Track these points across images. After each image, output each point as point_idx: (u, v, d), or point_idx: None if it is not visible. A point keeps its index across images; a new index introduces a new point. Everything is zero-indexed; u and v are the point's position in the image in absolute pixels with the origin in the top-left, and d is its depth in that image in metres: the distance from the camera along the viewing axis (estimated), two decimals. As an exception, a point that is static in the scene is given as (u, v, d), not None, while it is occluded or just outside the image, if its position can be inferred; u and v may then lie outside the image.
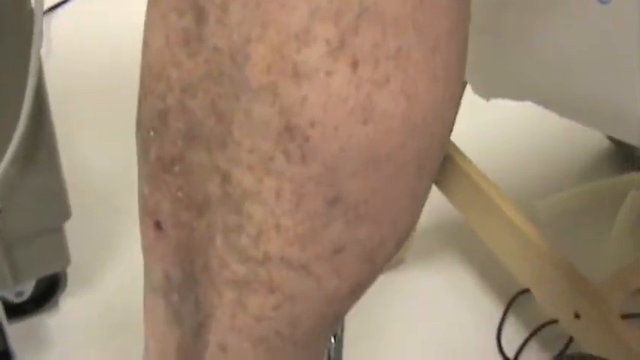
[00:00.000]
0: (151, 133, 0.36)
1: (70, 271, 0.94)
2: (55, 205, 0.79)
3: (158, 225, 0.38)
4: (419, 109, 0.33)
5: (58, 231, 0.83)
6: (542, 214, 1.08)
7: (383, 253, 0.37)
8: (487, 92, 0.60)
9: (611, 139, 1.21)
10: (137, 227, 1.06)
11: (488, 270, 1.10)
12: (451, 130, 0.37)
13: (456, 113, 0.36)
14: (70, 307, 0.99)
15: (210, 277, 0.37)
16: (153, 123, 0.36)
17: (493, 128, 1.25)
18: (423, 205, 0.38)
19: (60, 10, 1.44)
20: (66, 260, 0.87)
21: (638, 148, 1.13)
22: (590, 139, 1.23)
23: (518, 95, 0.58)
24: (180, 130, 0.35)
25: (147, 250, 0.40)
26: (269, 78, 0.31)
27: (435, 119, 0.34)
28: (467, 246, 1.11)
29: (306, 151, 0.32)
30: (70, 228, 0.86)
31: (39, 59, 0.67)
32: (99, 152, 1.18)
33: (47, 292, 0.95)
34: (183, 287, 0.39)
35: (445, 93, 0.34)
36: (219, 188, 0.35)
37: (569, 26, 0.50)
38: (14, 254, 0.81)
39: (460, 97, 0.36)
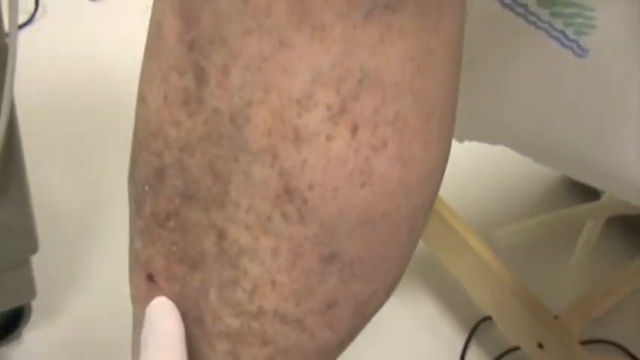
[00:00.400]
0: (146, 188, 0.37)
1: (34, 303, 0.94)
2: (23, 239, 0.79)
3: (150, 277, 0.38)
4: (414, 172, 0.34)
5: (25, 264, 0.83)
6: (502, 242, 1.10)
7: (374, 305, 0.38)
8: (461, 135, 0.61)
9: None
10: (102, 258, 1.05)
11: (450, 298, 1.11)
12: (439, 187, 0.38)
13: (444, 170, 0.37)
14: (33, 339, 0.98)
15: (203, 329, 0.37)
16: (148, 179, 0.36)
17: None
18: (412, 252, 0.39)
19: (22, 33, 1.43)
20: (32, 293, 0.87)
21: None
22: (549, 170, 1.26)
23: (492, 140, 0.59)
24: (176, 188, 0.35)
25: (138, 300, 0.40)
26: (269, 141, 0.32)
27: (428, 180, 0.35)
28: (429, 274, 1.12)
29: (304, 212, 0.33)
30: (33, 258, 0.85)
31: (11, 96, 0.67)
32: (61, 178, 1.17)
33: (10, 324, 0.94)
34: None
35: (437, 155, 0.35)
36: (215, 245, 0.35)
37: (544, 77, 0.51)
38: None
39: (448, 155, 0.37)
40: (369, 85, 0.31)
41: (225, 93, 0.32)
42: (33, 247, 0.80)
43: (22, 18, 1.43)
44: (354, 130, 0.32)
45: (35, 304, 0.94)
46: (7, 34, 0.58)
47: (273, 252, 0.34)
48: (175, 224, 0.36)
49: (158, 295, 0.38)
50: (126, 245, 0.40)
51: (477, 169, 1.26)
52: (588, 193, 1.18)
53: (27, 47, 1.37)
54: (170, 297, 0.38)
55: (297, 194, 0.32)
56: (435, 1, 0.32)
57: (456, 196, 1.06)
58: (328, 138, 0.31)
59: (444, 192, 0.88)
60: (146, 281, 0.39)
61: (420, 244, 0.96)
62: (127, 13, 1.48)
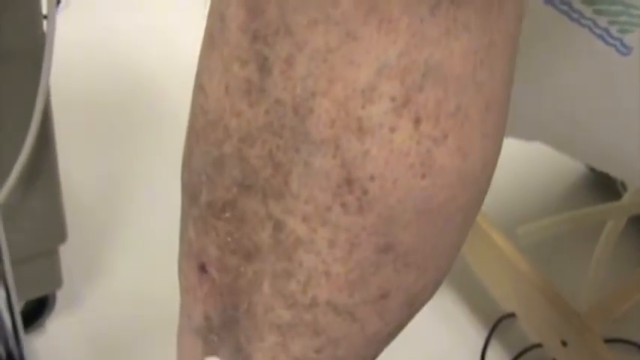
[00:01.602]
0: (203, 178, 0.37)
1: (58, 292, 0.94)
2: (53, 228, 0.79)
3: (202, 268, 0.38)
4: (471, 165, 0.34)
5: (53, 253, 0.83)
6: (524, 240, 1.10)
7: (423, 297, 0.38)
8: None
9: (591, 168, 1.23)
10: (126, 251, 1.05)
11: (471, 295, 1.11)
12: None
13: (497, 163, 0.37)
14: (56, 328, 0.99)
15: (254, 320, 0.37)
16: (206, 168, 0.36)
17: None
18: (462, 244, 0.39)
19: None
20: (58, 282, 0.87)
21: (617, 179, 1.15)
22: (571, 168, 1.26)
23: (529, 136, 0.59)
24: (235, 178, 0.35)
25: (188, 291, 0.40)
26: (332, 132, 0.32)
27: (483, 173, 0.35)
28: (452, 269, 1.12)
29: (364, 203, 0.33)
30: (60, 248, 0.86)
31: (47, 85, 0.67)
32: (87, 169, 1.17)
33: (34, 312, 0.95)
34: (223, 329, 0.39)
35: (493, 147, 0.35)
36: (270, 237, 0.35)
37: (586, 74, 0.51)
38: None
39: (501, 147, 0.37)
40: (432, 78, 0.31)
41: (289, 83, 0.32)
42: (62, 236, 0.80)
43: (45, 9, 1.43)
44: (417, 122, 0.32)
45: (59, 294, 0.95)
46: (45, 34, 0.59)
47: (330, 243, 0.34)
48: (231, 215, 0.36)
49: (210, 285, 0.38)
50: (150, 240, 0.40)
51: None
52: (610, 193, 1.18)
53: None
54: (221, 288, 0.38)
55: (358, 185, 0.33)
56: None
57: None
58: (391, 129, 0.32)
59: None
60: (198, 271, 0.39)
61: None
62: (150, 5, 1.49)
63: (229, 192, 0.36)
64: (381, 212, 0.33)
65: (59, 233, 0.80)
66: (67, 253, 0.89)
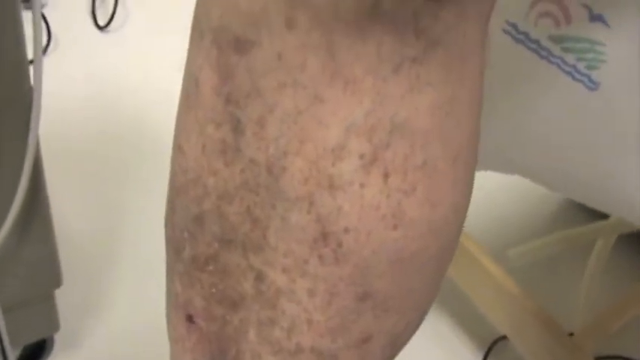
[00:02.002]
0: (185, 234, 0.38)
1: (56, 334, 0.95)
2: (48, 274, 0.81)
3: (190, 318, 0.40)
4: (441, 214, 0.35)
5: (49, 298, 0.84)
6: (515, 262, 1.11)
7: (406, 336, 0.40)
8: (477, 165, 0.62)
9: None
10: (123, 291, 1.06)
11: (466, 318, 1.13)
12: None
13: (468, 208, 0.39)
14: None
15: None
16: (187, 225, 0.38)
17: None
18: (439, 286, 0.40)
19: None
20: (55, 326, 0.88)
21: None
22: (559, 189, 1.27)
23: (506, 169, 0.61)
24: (215, 234, 0.37)
25: (177, 341, 0.41)
26: (306, 189, 0.33)
27: (454, 221, 0.37)
28: (445, 294, 1.13)
29: (340, 255, 0.34)
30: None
31: (37, 136, 0.68)
32: (77, 213, 1.18)
33: (32, 356, 0.96)
34: None
35: (463, 195, 0.37)
36: (253, 287, 0.36)
37: (557, 110, 0.53)
38: (5, 321, 0.82)
39: (471, 194, 0.38)
40: (399, 134, 0.33)
41: (262, 144, 0.34)
42: (57, 281, 0.82)
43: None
44: (386, 176, 0.33)
45: (57, 336, 0.96)
46: (32, 89, 0.60)
47: (310, 292, 0.35)
48: (215, 268, 0.37)
49: (197, 335, 0.40)
50: (146, 277, 0.42)
51: (488, 191, 1.28)
52: (598, 212, 1.19)
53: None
54: (209, 336, 0.39)
55: (333, 238, 0.34)
56: (459, 50, 0.33)
57: (469, 218, 1.08)
58: (361, 185, 0.33)
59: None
60: (185, 322, 0.40)
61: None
62: (135, 39, 1.51)
63: (211, 247, 0.37)
64: (356, 263, 0.35)
65: (54, 278, 0.81)
66: (63, 294, 0.90)
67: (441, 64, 0.33)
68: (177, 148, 0.38)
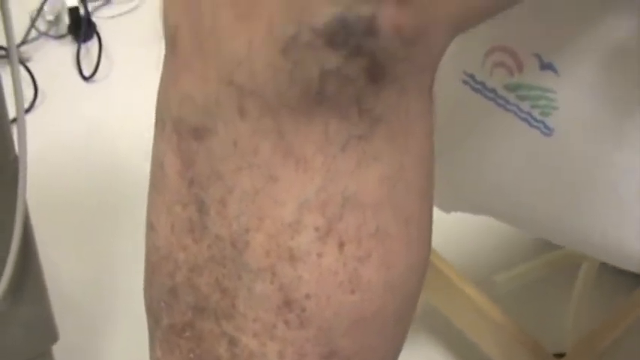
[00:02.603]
0: (162, 305, 0.41)
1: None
2: (43, 331, 0.83)
3: None
4: (397, 275, 0.38)
5: (45, 354, 0.86)
6: (502, 288, 1.14)
7: None
8: (447, 207, 0.65)
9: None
10: (117, 342, 1.08)
11: (455, 346, 1.15)
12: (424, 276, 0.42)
13: (427, 265, 0.41)
14: None
15: None
16: (163, 297, 0.40)
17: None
18: (404, 338, 0.43)
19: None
20: (54, 381, 0.90)
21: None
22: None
23: (475, 211, 0.63)
24: (189, 303, 0.39)
25: None
26: (268, 261, 0.36)
27: (411, 278, 0.39)
28: (433, 324, 1.16)
29: (304, 319, 0.37)
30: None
31: (24, 202, 0.71)
32: (69, 265, 1.20)
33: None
34: None
35: (418, 254, 0.39)
36: (227, 351, 0.39)
37: (516, 155, 0.55)
38: (4, 381, 0.84)
39: (429, 251, 0.41)
40: (350, 206, 0.35)
41: (225, 221, 0.36)
42: (53, 337, 0.84)
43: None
44: (341, 246, 0.36)
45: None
46: (17, 158, 0.63)
47: (279, 354, 0.38)
48: (191, 334, 0.40)
49: None
50: (142, 330, 0.44)
51: (470, 219, 1.30)
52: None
53: (30, 133, 1.42)
54: None
55: (296, 304, 0.36)
56: (403, 123, 0.36)
57: (453, 247, 1.10)
58: (319, 255, 0.36)
59: (440, 243, 0.92)
60: None
61: (422, 297, 1.00)
62: (120, 90, 1.54)
63: (186, 315, 0.40)
64: (320, 325, 0.37)
65: (50, 335, 0.83)
66: (60, 349, 0.92)
67: (386, 139, 0.35)
68: (150, 226, 0.40)
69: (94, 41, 1.63)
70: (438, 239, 0.92)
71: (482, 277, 1.14)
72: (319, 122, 0.34)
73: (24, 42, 1.61)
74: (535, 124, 0.54)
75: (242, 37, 0.32)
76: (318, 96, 0.33)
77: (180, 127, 0.36)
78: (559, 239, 0.61)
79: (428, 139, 0.38)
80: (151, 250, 0.40)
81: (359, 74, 0.33)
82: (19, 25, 1.63)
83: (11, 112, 0.70)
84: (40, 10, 1.65)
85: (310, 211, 0.35)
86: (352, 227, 0.36)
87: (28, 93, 1.50)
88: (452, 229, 1.24)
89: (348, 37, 0.32)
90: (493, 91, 0.55)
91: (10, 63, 0.64)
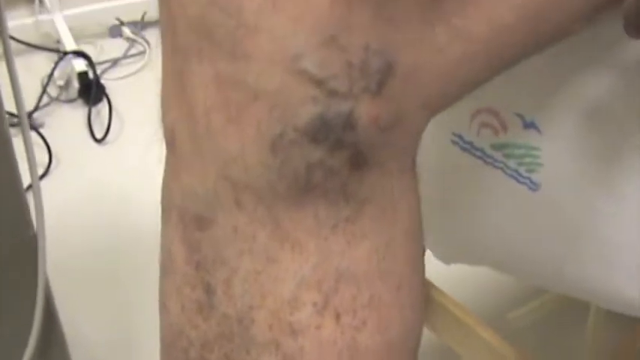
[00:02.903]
0: None
1: None
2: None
3: None
4: (394, 336, 0.41)
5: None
6: (516, 324, 1.16)
7: None
8: (446, 259, 0.68)
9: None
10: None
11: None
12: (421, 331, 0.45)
13: (422, 324, 0.44)
14: None
15: None
16: None
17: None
18: None
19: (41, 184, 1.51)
20: None
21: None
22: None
23: (473, 262, 0.66)
24: None
25: None
26: (271, 335, 0.39)
27: (408, 336, 0.42)
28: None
29: None
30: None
31: (45, 275, 0.74)
32: (92, 326, 1.23)
33: None
34: None
35: (412, 315, 0.42)
36: None
37: (506, 211, 0.58)
38: None
39: (423, 313, 0.44)
40: (344, 280, 0.39)
41: (231, 301, 0.39)
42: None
43: (38, 171, 1.52)
44: (338, 317, 0.39)
45: None
46: (35, 232, 0.66)
47: None
48: None
49: None
50: None
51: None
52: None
53: (47, 197, 1.46)
54: None
55: None
56: (387, 202, 0.39)
57: (464, 286, 1.12)
58: (317, 327, 0.39)
59: (451, 286, 0.95)
60: None
61: (436, 339, 1.02)
62: (132, 150, 1.58)
63: None
64: None
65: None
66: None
67: (373, 218, 0.39)
68: (162, 306, 0.44)
69: (104, 103, 1.68)
70: (449, 280, 0.95)
71: (495, 314, 1.16)
72: (309, 209, 0.37)
73: (36, 109, 1.65)
74: (522, 180, 0.57)
75: (234, 137, 0.36)
76: (306, 186, 0.36)
77: (184, 217, 0.40)
78: (559, 288, 0.63)
79: (413, 212, 0.42)
80: (166, 327, 0.43)
81: (342, 164, 0.36)
82: (31, 91, 1.69)
83: (26, 179, 0.73)
84: (50, 76, 1.70)
85: (308, 288, 0.38)
86: (347, 299, 0.39)
87: (42, 158, 1.55)
88: (462, 268, 1.27)
89: (328, 132, 0.35)
90: (481, 150, 0.59)
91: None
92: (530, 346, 1.05)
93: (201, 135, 0.37)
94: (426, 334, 1.01)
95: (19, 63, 1.73)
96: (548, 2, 0.41)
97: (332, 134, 0.35)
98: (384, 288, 0.40)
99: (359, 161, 0.36)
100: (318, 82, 0.34)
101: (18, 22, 1.79)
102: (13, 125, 1.59)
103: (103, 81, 1.71)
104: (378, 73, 0.35)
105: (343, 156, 0.36)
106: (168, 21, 0.36)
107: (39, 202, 0.69)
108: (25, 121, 0.72)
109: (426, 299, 0.99)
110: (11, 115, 1.54)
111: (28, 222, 0.70)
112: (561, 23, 0.43)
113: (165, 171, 0.41)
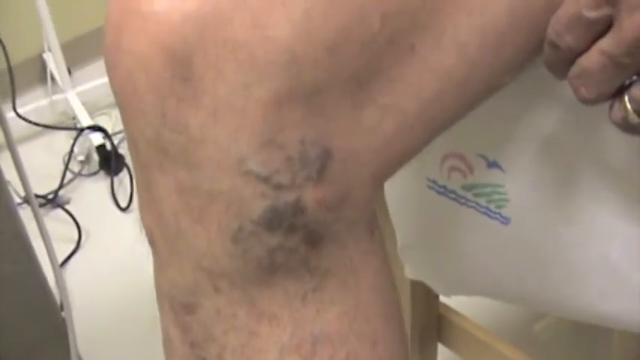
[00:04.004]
0: None
1: None
2: None
3: None
4: None
5: None
6: (542, 335, 1.19)
7: None
8: (446, 292, 0.73)
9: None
10: None
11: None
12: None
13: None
14: None
15: None
16: None
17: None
18: None
19: (73, 260, 1.57)
20: None
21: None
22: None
23: (468, 293, 0.71)
24: None
25: None
26: None
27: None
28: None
29: None
30: None
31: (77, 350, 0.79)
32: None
33: None
34: None
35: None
36: None
37: (483, 245, 0.63)
38: None
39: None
40: (320, 343, 0.43)
41: None
42: None
43: (70, 247, 1.58)
44: None
45: None
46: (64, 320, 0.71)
47: None
48: None
49: None
50: None
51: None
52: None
53: (81, 270, 1.52)
54: None
55: None
56: (349, 269, 0.44)
57: (490, 301, 1.16)
58: None
59: (476, 301, 0.98)
60: None
61: None
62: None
63: None
64: None
65: None
66: None
67: (337, 285, 0.44)
68: None
69: (125, 172, 1.74)
70: (470, 300, 0.98)
71: (521, 325, 1.19)
72: (278, 286, 0.42)
73: (61, 186, 1.72)
74: (493, 215, 0.61)
75: (201, 236, 0.41)
76: (271, 268, 0.41)
77: (173, 304, 0.45)
78: (543, 309, 0.68)
79: (379, 272, 0.46)
80: None
81: (299, 244, 0.41)
82: (54, 170, 1.75)
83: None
84: (70, 152, 1.76)
85: (289, 354, 0.43)
86: (325, 358, 0.44)
87: (72, 233, 1.61)
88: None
89: (281, 220, 0.40)
90: (453, 192, 0.63)
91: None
92: (556, 357, 1.08)
93: (173, 236, 0.42)
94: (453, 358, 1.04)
95: (40, 144, 1.82)
96: (475, 65, 0.45)
97: (284, 221, 0.40)
98: (359, 345, 0.45)
99: (314, 239, 0.41)
100: (264, 179, 0.39)
101: (34, 105, 1.86)
102: (41, 205, 1.66)
103: (121, 150, 1.77)
104: (318, 161, 0.40)
105: (298, 237, 0.41)
106: (131, 141, 0.42)
107: (63, 288, 0.74)
108: (37, 208, 0.77)
109: (447, 325, 1.03)
110: (37, 196, 1.61)
111: (55, 309, 0.76)
112: (490, 81, 0.48)
113: (153, 267, 0.46)
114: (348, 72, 0.40)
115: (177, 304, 0.44)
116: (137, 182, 0.44)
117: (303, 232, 0.41)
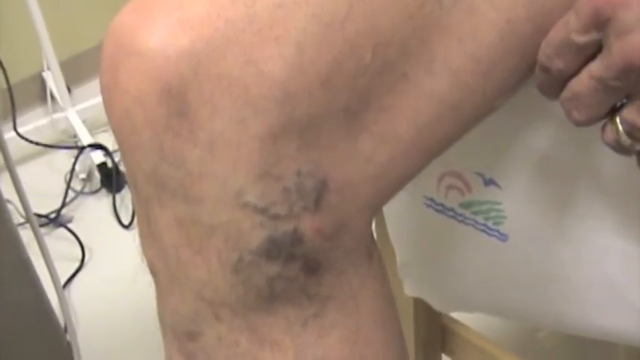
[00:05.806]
0: None
1: None
2: None
3: None
4: None
5: None
6: (545, 344, 1.19)
7: None
8: (445, 308, 0.73)
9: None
10: None
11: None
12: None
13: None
14: None
15: None
16: None
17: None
18: None
19: (77, 278, 1.58)
20: None
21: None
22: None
23: (467, 310, 0.71)
24: None
25: None
26: None
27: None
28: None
29: None
30: None
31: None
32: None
33: None
34: None
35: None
36: None
37: (483, 261, 0.63)
38: None
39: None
40: None
41: None
42: None
43: (74, 265, 1.59)
44: None
45: None
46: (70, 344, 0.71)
47: None
48: None
49: None
50: None
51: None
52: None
53: (86, 288, 1.53)
54: None
55: None
56: (348, 294, 0.44)
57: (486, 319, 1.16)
58: None
59: (476, 318, 0.99)
60: None
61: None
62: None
63: None
64: None
65: None
66: None
67: (337, 311, 0.44)
68: None
69: (127, 190, 1.74)
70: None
71: (525, 334, 1.19)
72: (279, 313, 0.43)
73: (63, 205, 1.72)
74: (491, 232, 0.62)
75: (201, 267, 0.42)
76: (271, 296, 0.42)
77: (176, 332, 0.45)
78: (542, 325, 0.68)
79: (378, 296, 0.47)
80: None
81: (298, 273, 0.42)
82: (56, 189, 1.76)
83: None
84: (72, 171, 1.77)
85: None
86: None
87: (75, 252, 1.62)
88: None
89: (280, 250, 0.41)
90: (451, 210, 0.64)
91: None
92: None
93: (174, 267, 0.42)
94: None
95: (42, 163, 1.82)
96: (468, 90, 0.46)
97: (283, 251, 0.41)
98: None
99: (312, 267, 0.42)
100: (262, 211, 0.40)
101: (34, 124, 1.87)
102: (42, 225, 1.67)
103: (122, 168, 1.78)
104: (314, 191, 0.41)
105: (297, 266, 0.41)
106: (130, 175, 0.42)
107: (67, 312, 0.75)
108: (38, 229, 0.77)
109: (451, 335, 1.03)
110: (39, 216, 1.62)
111: (60, 332, 0.76)
112: (483, 104, 0.48)
113: (156, 295, 0.47)
114: (341, 104, 0.40)
115: (180, 332, 0.45)
116: (137, 215, 0.44)
117: (301, 260, 0.42)
